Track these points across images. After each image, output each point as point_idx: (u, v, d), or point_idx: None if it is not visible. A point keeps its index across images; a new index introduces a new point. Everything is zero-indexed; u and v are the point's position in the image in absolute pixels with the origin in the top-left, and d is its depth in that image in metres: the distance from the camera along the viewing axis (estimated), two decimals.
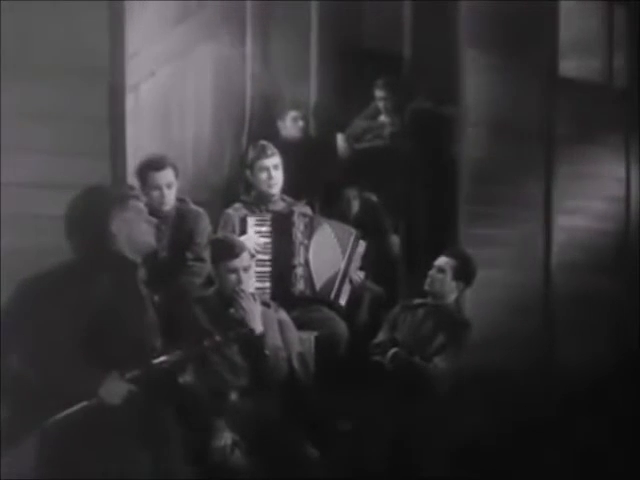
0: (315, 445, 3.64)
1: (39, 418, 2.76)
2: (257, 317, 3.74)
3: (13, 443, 2.76)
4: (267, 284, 4.37)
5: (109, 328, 2.85)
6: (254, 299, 3.79)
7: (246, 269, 3.84)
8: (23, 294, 2.87)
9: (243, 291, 3.78)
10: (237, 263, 3.82)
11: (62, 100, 3.64)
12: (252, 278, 4.09)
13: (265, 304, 3.98)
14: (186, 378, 2.95)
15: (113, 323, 2.87)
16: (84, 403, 2.77)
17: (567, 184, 5.82)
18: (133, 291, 3.00)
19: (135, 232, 2.99)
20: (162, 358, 2.94)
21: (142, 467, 2.87)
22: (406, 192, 5.47)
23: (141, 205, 3.05)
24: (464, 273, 4.34)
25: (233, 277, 3.80)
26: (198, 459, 3.39)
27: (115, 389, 2.80)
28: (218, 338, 3.28)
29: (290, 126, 5.47)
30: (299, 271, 4.42)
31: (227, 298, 3.83)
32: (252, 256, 4.02)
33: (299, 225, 4.46)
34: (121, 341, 2.87)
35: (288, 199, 4.68)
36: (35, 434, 2.79)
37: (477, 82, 5.35)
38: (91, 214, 2.95)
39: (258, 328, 3.71)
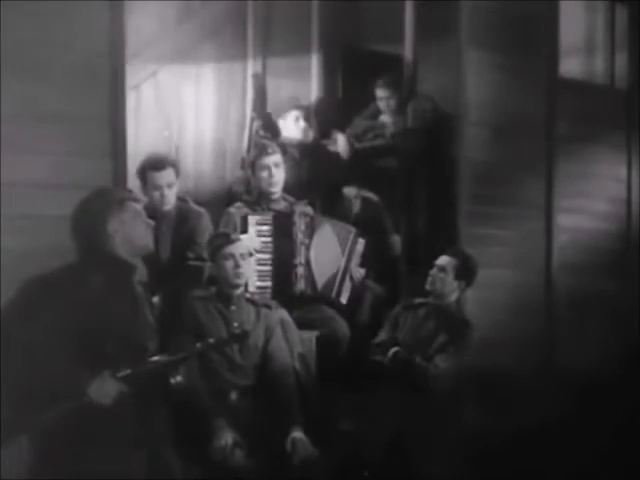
0: (316, 445, 3.63)
1: (33, 417, 2.77)
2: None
3: (7, 442, 2.77)
4: (268, 283, 4.36)
5: (102, 328, 2.86)
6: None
7: (243, 256, 3.85)
8: (22, 294, 2.88)
9: (242, 273, 3.82)
10: (233, 249, 3.83)
11: (63, 100, 3.64)
12: (252, 268, 4.09)
13: (266, 304, 3.98)
14: (177, 379, 2.94)
15: (106, 323, 2.88)
16: (72, 402, 2.77)
17: (568, 184, 5.82)
18: (127, 292, 3.01)
19: (132, 234, 3.00)
20: (154, 359, 2.95)
21: (135, 467, 2.88)
22: (407, 192, 5.46)
23: (139, 207, 3.07)
24: (466, 272, 4.34)
25: (230, 263, 3.81)
26: (198, 458, 3.39)
27: (105, 389, 2.80)
28: (211, 340, 3.29)
29: (291, 126, 5.46)
30: (300, 270, 4.41)
31: (226, 296, 3.84)
32: (251, 254, 4.01)
33: (300, 224, 4.45)
34: (114, 341, 2.88)
35: (289, 198, 4.67)
36: (28, 432, 2.81)
37: (479, 82, 5.35)
38: (89, 216, 2.96)
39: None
